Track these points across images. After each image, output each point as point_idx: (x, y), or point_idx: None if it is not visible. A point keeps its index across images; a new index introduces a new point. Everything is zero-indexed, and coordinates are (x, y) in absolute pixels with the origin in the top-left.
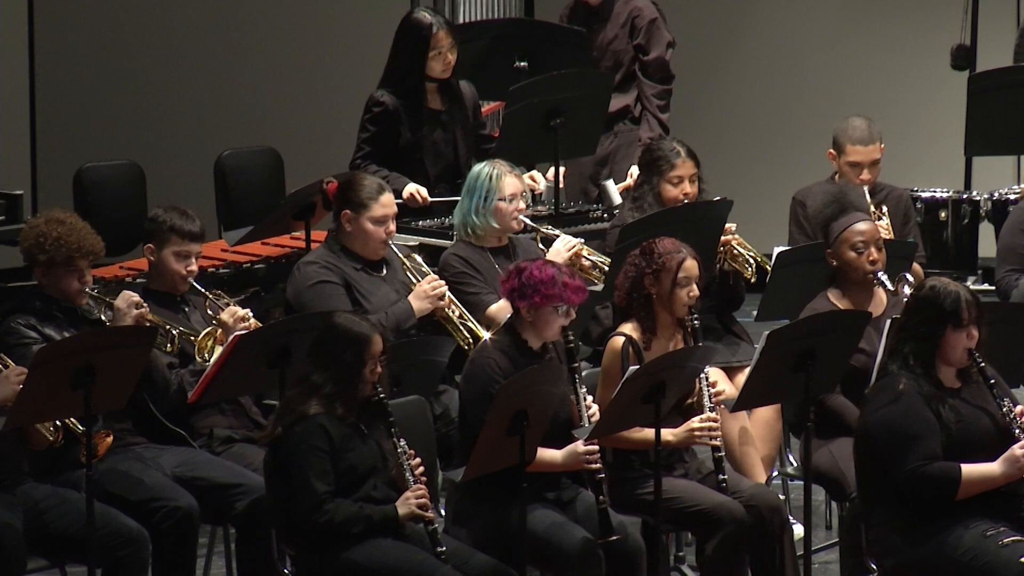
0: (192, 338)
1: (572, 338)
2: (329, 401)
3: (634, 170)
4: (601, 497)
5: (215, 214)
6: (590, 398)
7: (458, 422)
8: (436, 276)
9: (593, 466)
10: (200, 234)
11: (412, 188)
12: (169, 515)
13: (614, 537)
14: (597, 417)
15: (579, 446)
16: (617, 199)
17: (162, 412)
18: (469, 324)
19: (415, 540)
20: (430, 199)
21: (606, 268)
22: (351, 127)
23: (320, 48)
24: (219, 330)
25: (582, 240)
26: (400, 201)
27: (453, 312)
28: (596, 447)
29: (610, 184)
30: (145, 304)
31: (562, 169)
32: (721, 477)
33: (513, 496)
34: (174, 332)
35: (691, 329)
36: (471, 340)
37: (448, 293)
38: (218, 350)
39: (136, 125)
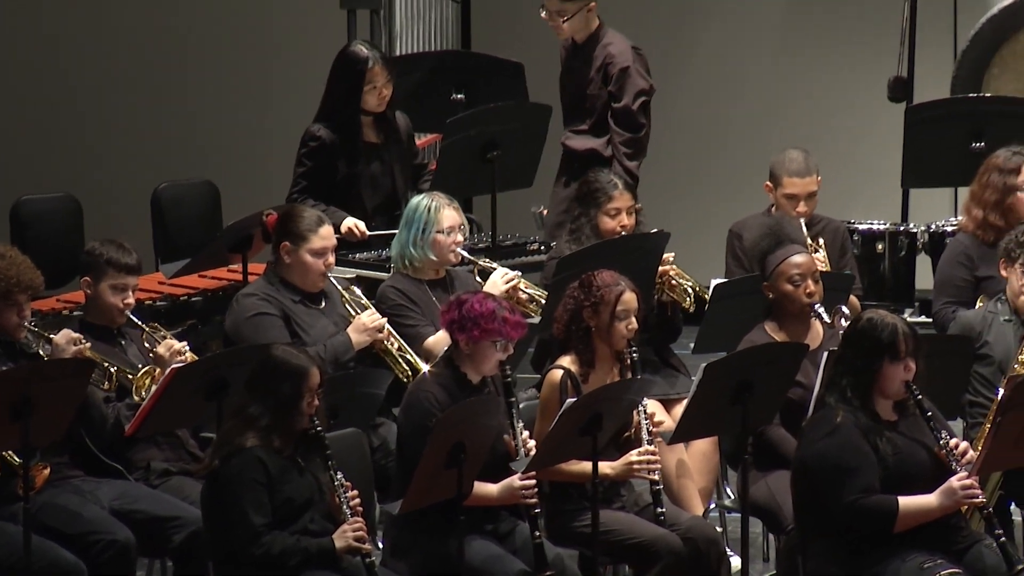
0: (130, 376)
1: (509, 372)
2: (266, 434)
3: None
4: (537, 532)
5: (152, 247)
6: (527, 432)
7: (396, 454)
8: (375, 309)
9: (529, 500)
10: (137, 267)
11: (350, 222)
12: (106, 548)
13: (549, 572)
14: (533, 450)
15: (515, 480)
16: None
17: (99, 446)
18: (408, 356)
19: (352, 573)
20: (368, 232)
21: (543, 301)
22: (288, 160)
23: (257, 81)
24: (157, 369)
25: (519, 273)
26: (339, 236)
27: (392, 344)
28: (532, 482)
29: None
30: (84, 340)
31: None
32: (659, 510)
33: (450, 528)
34: (112, 370)
35: (629, 362)
36: (410, 372)
37: (387, 325)
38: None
39: (73, 157)
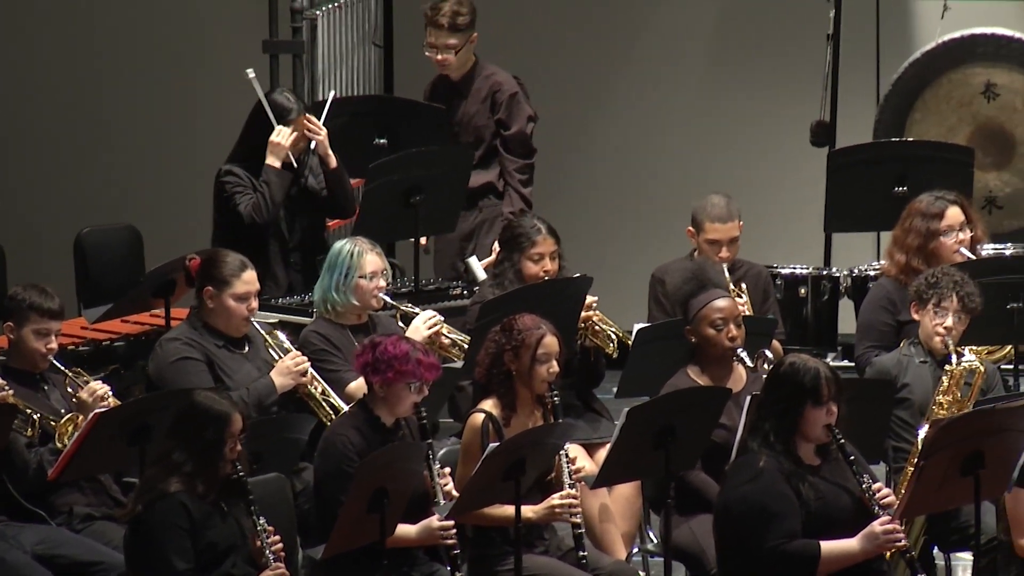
0: (52, 422)
1: (424, 414)
2: (189, 479)
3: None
4: (457, 573)
5: (75, 291)
6: (447, 470)
7: (313, 498)
8: (298, 352)
9: (448, 542)
10: (60, 312)
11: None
12: None
13: None
14: (452, 492)
15: (434, 522)
16: (482, 275)
17: (21, 492)
18: (331, 400)
19: None
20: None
21: (465, 346)
22: (208, 205)
23: (180, 126)
24: (80, 416)
25: (442, 318)
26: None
27: (315, 388)
28: (451, 523)
29: (474, 261)
30: (7, 387)
31: (422, 241)
32: (581, 554)
33: (372, 573)
34: (34, 416)
35: (551, 406)
36: (333, 416)
37: (310, 369)
38: None
39: None
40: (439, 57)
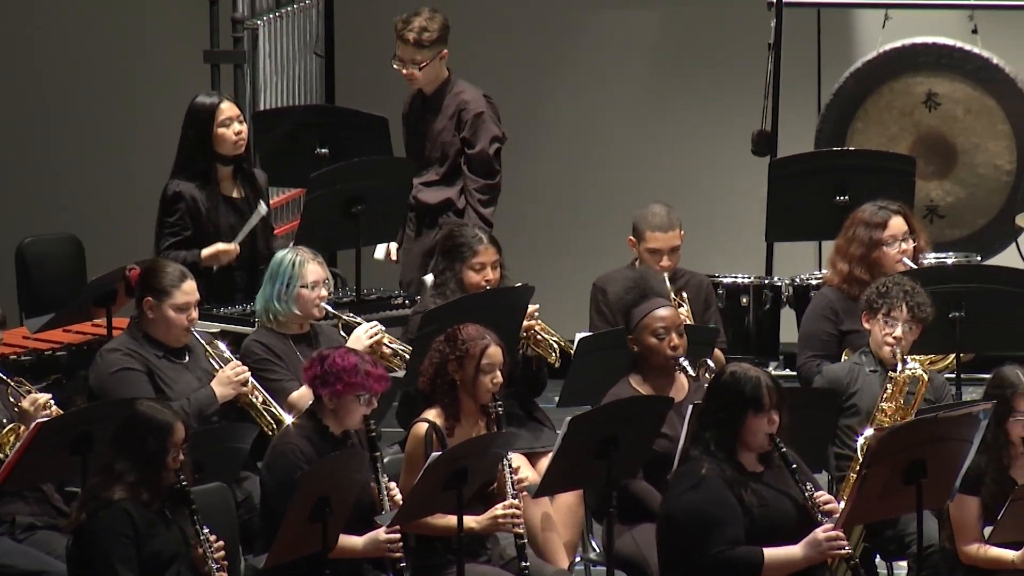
0: None
1: (374, 426)
2: (133, 488)
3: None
4: None
5: (16, 301)
6: (393, 484)
7: (260, 508)
8: (239, 363)
9: (395, 554)
10: (1, 321)
11: (210, 249)
12: None
13: None
14: (399, 502)
15: (380, 533)
16: None
17: None
18: (272, 410)
19: None
20: (236, 247)
21: (407, 356)
22: (152, 215)
23: (121, 135)
24: (22, 426)
25: (383, 327)
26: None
27: (256, 398)
28: (397, 535)
29: (429, 279)
30: None
31: (392, 253)
32: (523, 563)
33: None
34: None
35: (494, 415)
36: (275, 426)
37: (251, 379)
38: None
39: None
40: (405, 72)
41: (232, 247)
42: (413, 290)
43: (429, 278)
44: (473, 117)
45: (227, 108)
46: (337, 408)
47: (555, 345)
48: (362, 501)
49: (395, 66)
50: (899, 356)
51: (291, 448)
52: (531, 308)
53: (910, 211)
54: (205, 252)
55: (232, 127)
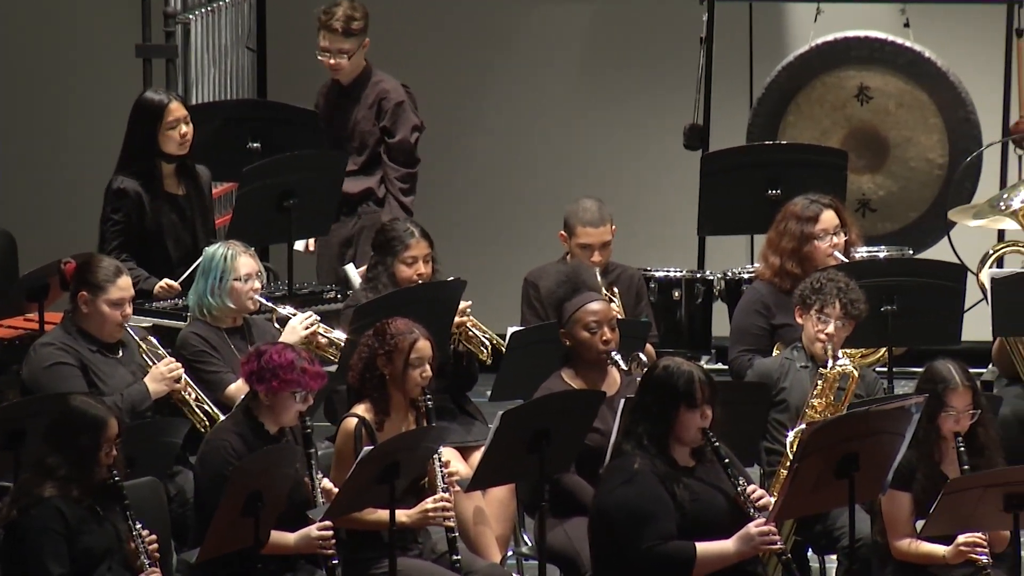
0: None
1: (309, 423)
2: (65, 483)
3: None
4: None
5: None
6: (327, 480)
7: (193, 503)
8: (172, 359)
9: (328, 551)
10: None
11: (161, 283)
12: None
13: None
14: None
15: (313, 530)
16: (358, 282)
17: None
18: (205, 407)
19: None
20: (178, 285)
21: (342, 344)
22: (85, 208)
23: (53, 129)
24: None
25: (318, 317)
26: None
27: (189, 395)
28: (330, 531)
29: (350, 268)
30: None
31: (309, 245)
32: (455, 557)
33: None
34: None
35: (424, 409)
36: (207, 422)
37: (184, 375)
38: None
39: None
40: (332, 61)
41: (177, 285)
42: (331, 279)
43: (349, 268)
44: (394, 106)
45: (175, 109)
46: (273, 404)
47: (486, 341)
48: (296, 497)
49: (321, 58)
50: (830, 352)
51: (223, 444)
52: (463, 304)
53: (842, 205)
54: (158, 287)
55: (179, 129)
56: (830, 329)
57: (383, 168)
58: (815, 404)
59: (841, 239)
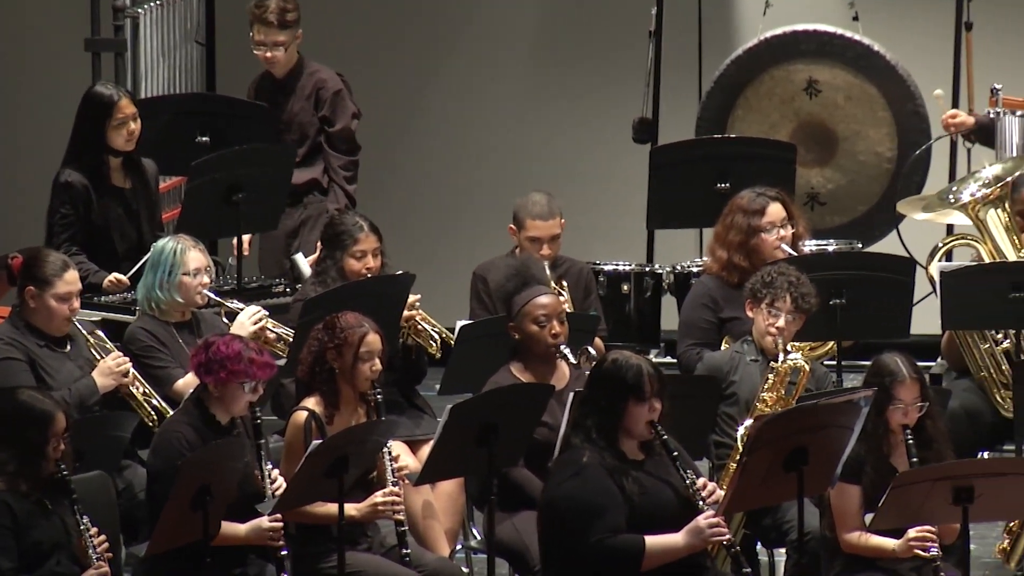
0: None
1: (259, 413)
2: (12, 478)
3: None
4: (284, 574)
5: None
6: (276, 471)
7: (145, 496)
8: (120, 353)
9: (278, 543)
10: None
11: (111, 277)
12: None
13: None
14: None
15: (264, 522)
16: (307, 272)
17: None
18: (153, 401)
19: None
20: (127, 279)
21: (291, 339)
22: (34, 202)
23: (2, 123)
24: None
25: (267, 312)
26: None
27: (137, 389)
28: (280, 523)
29: (299, 258)
30: None
31: (246, 240)
32: (404, 551)
33: (197, 571)
34: None
35: (374, 403)
36: (156, 417)
37: (132, 370)
38: None
39: None
40: (268, 55)
41: (126, 280)
42: (280, 270)
43: (298, 257)
44: (332, 95)
45: (125, 105)
46: (222, 395)
47: (436, 335)
48: (247, 489)
49: (256, 51)
50: (781, 346)
51: (175, 436)
52: (412, 298)
53: (788, 197)
54: (106, 281)
55: (128, 125)
56: (781, 323)
57: (325, 157)
58: (766, 398)
59: (788, 232)
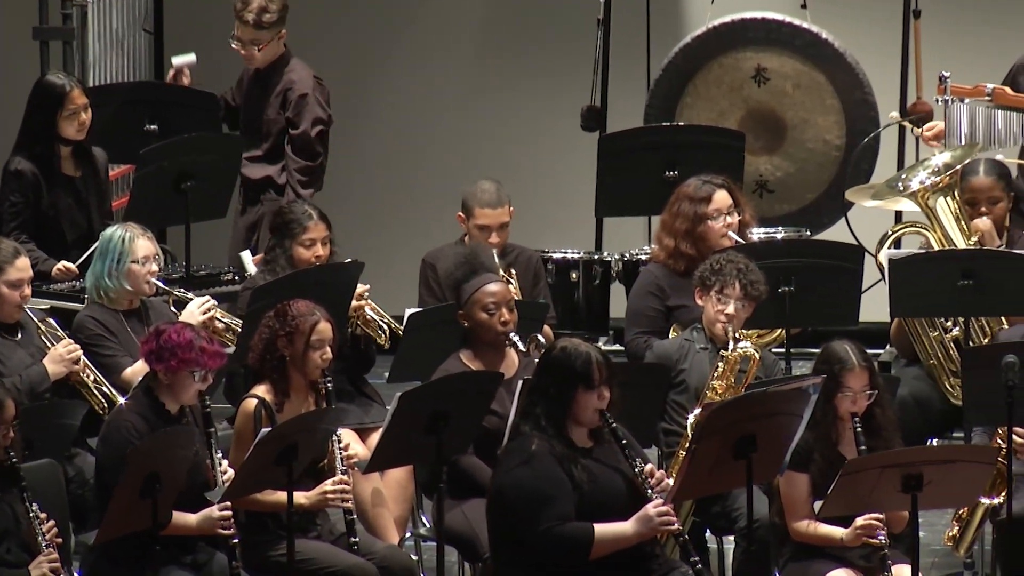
0: None
1: (208, 402)
2: None
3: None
4: (234, 563)
5: None
6: (226, 462)
7: (94, 484)
8: (71, 340)
9: (227, 532)
10: None
11: (60, 265)
12: None
13: None
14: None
15: (214, 511)
16: (252, 269)
17: None
18: (104, 389)
19: None
20: (76, 268)
21: (239, 330)
22: None
23: None
24: None
25: (215, 302)
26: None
27: (88, 376)
28: (230, 512)
29: (246, 255)
30: None
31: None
32: (353, 539)
33: (147, 558)
34: None
35: (324, 391)
36: (106, 405)
37: (83, 357)
38: None
39: None
40: (243, 52)
41: (75, 268)
42: (234, 265)
43: (245, 255)
44: (298, 98)
45: (77, 96)
46: (172, 384)
47: (384, 326)
48: (197, 478)
49: (234, 46)
50: (731, 334)
51: (124, 424)
52: (361, 288)
53: (735, 185)
54: (55, 269)
55: (79, 116)
56: (730, 310)
57: (285, 159)
58: (715, 386)
59: (735, 219)
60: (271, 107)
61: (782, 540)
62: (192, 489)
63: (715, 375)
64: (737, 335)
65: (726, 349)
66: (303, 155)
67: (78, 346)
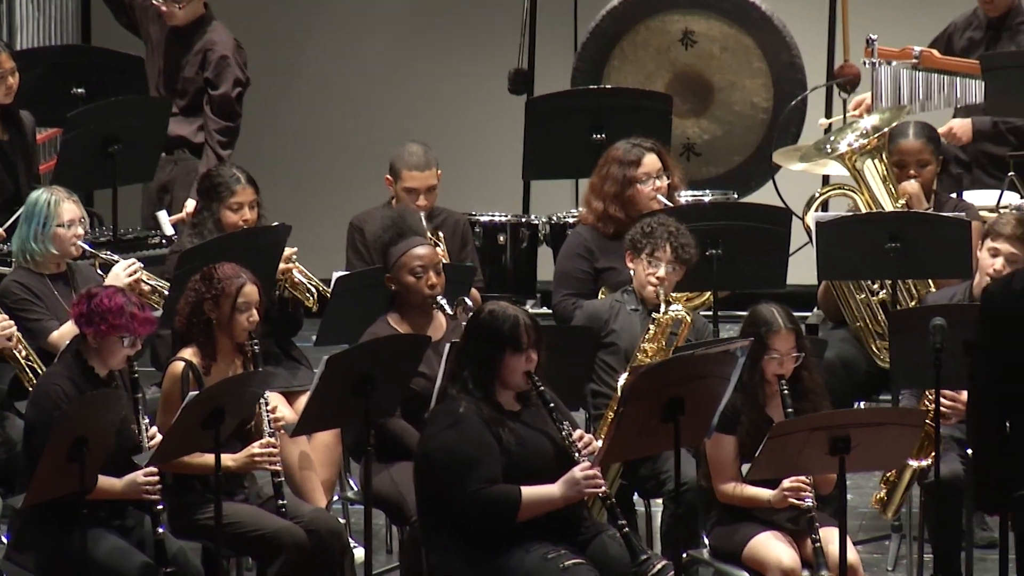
0: None
1: (136, 367)
2: None
3: (190, 203)
4: (159, 529)
5: None
6: (154, 428)
7: (23, 447)
8: (5, 316)
9: (153, 497)
10: None
11: None
12: None
13: (169, 569)
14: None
15: (139, 476)
16: (169, 230)
17: None
18: (34, 366)
19: None
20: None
21: (166, 292)
22: None
23: None
24: None
25: (141, 264)
26: None
27: (20, 352)
28: (156, 476)
29: (163, 215)
30: None
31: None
32: (280, 502)
33: (75, 522)
34: None
35: (251, 354)
36: (35, 380)
37: (17, 333)
38: None
39: None
40: (163, 8)
41: (2, 232)
42: (148, 225)
43: (162, 214)
44: (218, 59)
45: (4, 60)
46: (100, 348)
47: (312, 288)
48: (123, 442)
49: (155, 2)
50: (662, 297)
51: (54, 388)
52: (288, 251)
53: (664, 148)
54: None
55: (6, 80)
56: (661, 273)
57: (204, 119)
58: (646, 348)
59: (664, 183)
60: (190, 65)
61: (709, 503)
62: (120, 453)
63: (646, 338)
64: (668, 298)
65: (658, 312)
66: (223, 116)
67: (12, 322)
